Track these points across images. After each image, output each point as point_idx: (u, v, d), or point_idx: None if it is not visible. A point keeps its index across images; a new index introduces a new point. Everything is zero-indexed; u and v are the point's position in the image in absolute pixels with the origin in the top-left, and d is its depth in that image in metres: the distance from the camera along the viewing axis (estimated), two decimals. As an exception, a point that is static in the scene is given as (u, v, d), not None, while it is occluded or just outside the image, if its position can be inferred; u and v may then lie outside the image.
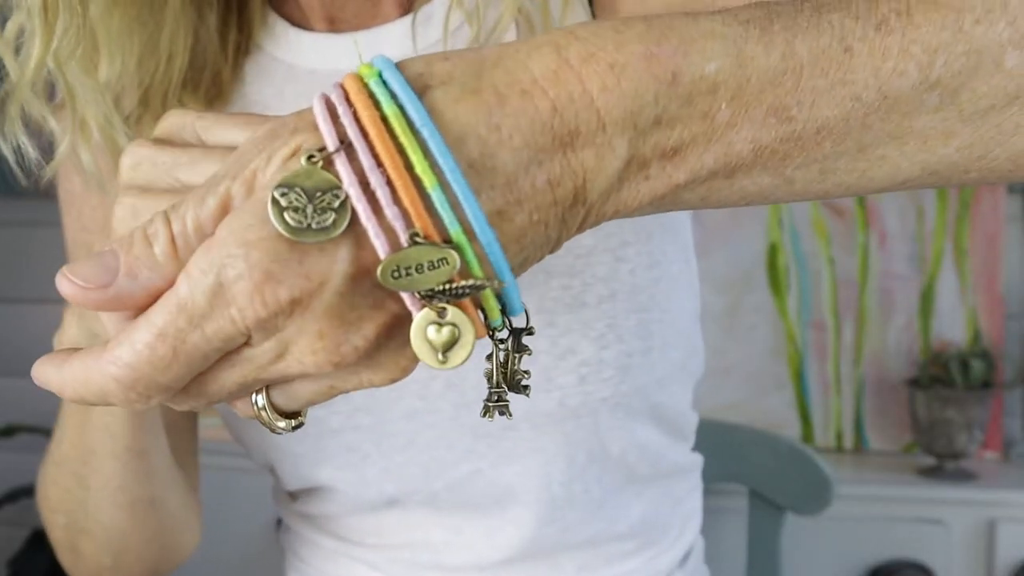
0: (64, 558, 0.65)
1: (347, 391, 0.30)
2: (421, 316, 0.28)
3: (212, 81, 0.59)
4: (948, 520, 1.45)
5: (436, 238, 0.27)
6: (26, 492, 1.71)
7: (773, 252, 1.65)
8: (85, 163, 0.55)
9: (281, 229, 0.27)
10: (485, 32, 0.52)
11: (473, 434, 0.59)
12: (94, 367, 0.29)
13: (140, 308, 0.29)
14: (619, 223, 0.58)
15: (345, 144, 0.28)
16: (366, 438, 0.60)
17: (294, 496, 0.68)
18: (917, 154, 0.32)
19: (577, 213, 0.30)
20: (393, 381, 0.30)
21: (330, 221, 0.27)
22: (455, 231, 0.27)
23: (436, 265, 0.27)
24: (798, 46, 0.30)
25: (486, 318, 0.30)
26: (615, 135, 0.29)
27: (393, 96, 0.28)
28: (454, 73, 0.29)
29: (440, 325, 0.28)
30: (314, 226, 0.27)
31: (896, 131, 0.31)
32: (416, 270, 0.27)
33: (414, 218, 0.27)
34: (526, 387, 0.32)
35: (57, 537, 0.64)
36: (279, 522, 0.74)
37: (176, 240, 0.29)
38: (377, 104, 0.28)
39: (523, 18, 0.52)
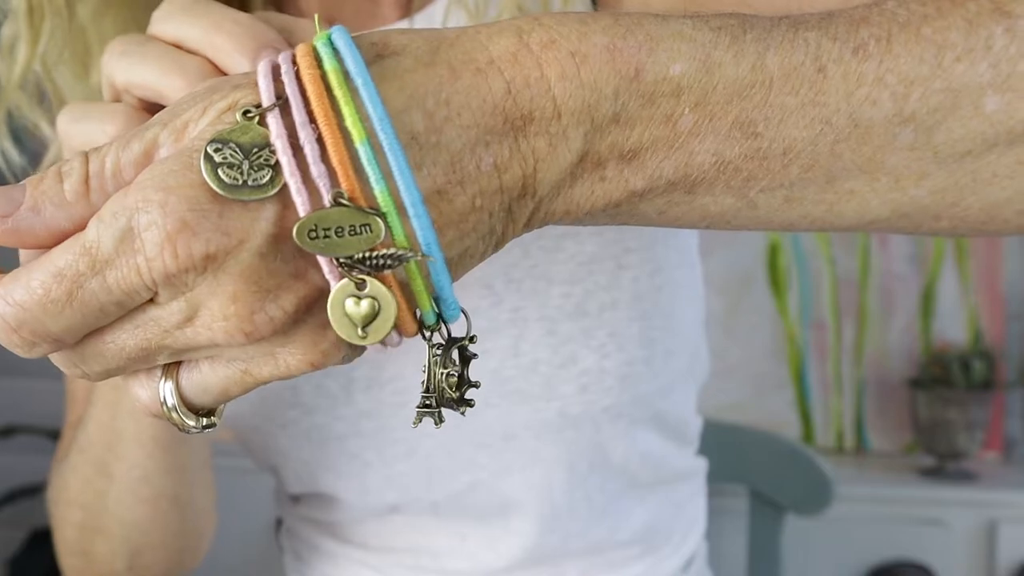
0: (70, 563, 0.62)
1: (263, 380, 0.28)
2: (339, 287, 0.26)
3: None
4: (949, 520, 1.45)
5: (362, 203, 0.26)
6: (26, 492, 1.71)
7: (774, 252, 1.65)
8: None
9: (215, 186, 0.25)
10: None
11: (474, 444, 0.59)
12: None
13: (41, 247, 0.27)
14: (621, 229, 0.57)
15: (282, 100, 0.26)
16: (368, 445, 0.60)
17: (296, 499, 0.68)
18: (888, 192, 0.30)
19: (525, 206, 0.29)
20: (313, 366, 0.27)
21: (266, 179, 0.25)
22: (380, 190, 0.26)
23: (358, 231, 0.25)
24: (769, 60, 0.29)
25: (421, 318, 0.28)
26: (570, 126, 0.28)
27: (338, 57, 0.27)
28: (409, 46, 0.28)
29: (359, 298, 0.26)
30: (249, 183, 0.25)
31: (867, 165, 0.30)
32: (336, 233, 0.25)
33: (341, 178, 0.26)
34: (469, 401, 0.30)
35: (68, 537, 0.61)
36: (279, 523, 0.74)
37: (90, 180, 0.27)
38: (320, 63, 0.27)
39: (521, 15, 0.52)
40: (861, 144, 0.29)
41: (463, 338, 0.29)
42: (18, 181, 0.28)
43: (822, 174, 0.30)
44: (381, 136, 0.26)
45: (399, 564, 0.64)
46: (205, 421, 0.29)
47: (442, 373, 0.29)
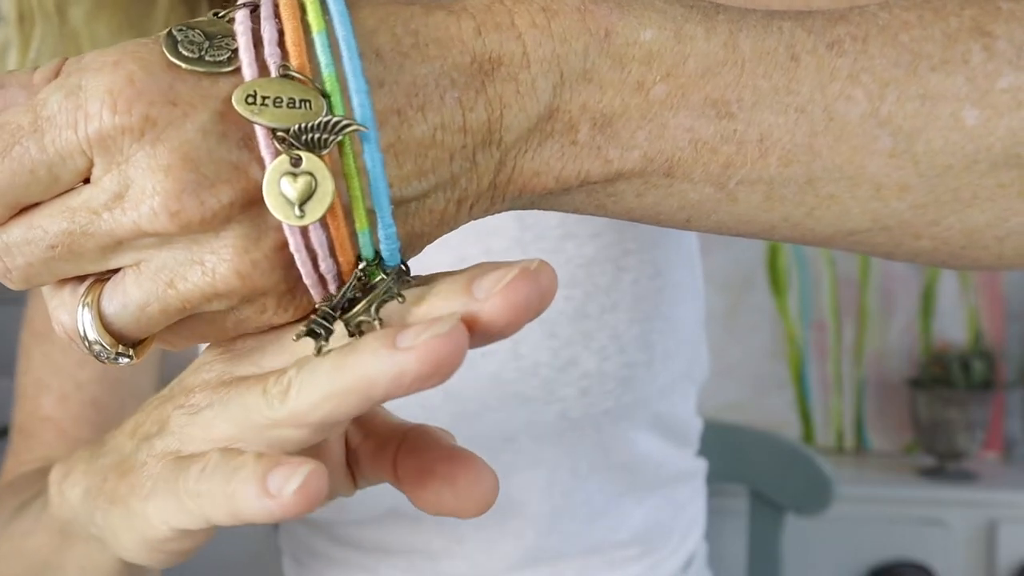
0: None
1: (188, 297, 0.26)
2: (275, 163, 0.25)
3: None
4: (949, 520, 1.45)
5: (309, 79, 0.25)
6: (26, 492, 1.70)
7: (774, 252, 1.65)
8: None
9: (171, 56, 0.24)
10: None
11: (473, 446, 0.59)
12: None
13: None
14: (621, 230, 0.57)
15: (252, 5, 0.26)
16: None
17: (294, 499, 0.68)
18: (869, 202, 0.30)
19: (491, 156, 0.28)
20: (240, 277, 0.26)
21: (224, 57, 0.25)
22: (328, 73, 0.25)
23: (297, 104, 0.25)
24: (741, 40, 0.29)
25: (357, 249, 0.27)
26: (539, 76, 0.28)
27: None
28: None
29: (295, 175, 0.25)
30: (206, 58, 0.25)
31: (847, 167, 0.29)
32: (274, 103, 0.24)
33: (292, 57, 0.25)
34: (361, 328, 0.27)
35: None
36: (276, 526, 0.74)
37: (62, 70, 0.26)
38: None
39: None
40: (838, 142, 0.29)
41: (399, 267, 0.28)
42: None
43: (802, 171, 0.29)
44: (336, 23, 0.25)
45: (396, 566, 0.64)
46: (120, 349, 0.27)
47: (349, 295, 0.27)
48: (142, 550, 0.30)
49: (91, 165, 0.25)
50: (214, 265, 0.26)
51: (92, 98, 0.24)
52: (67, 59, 0.26)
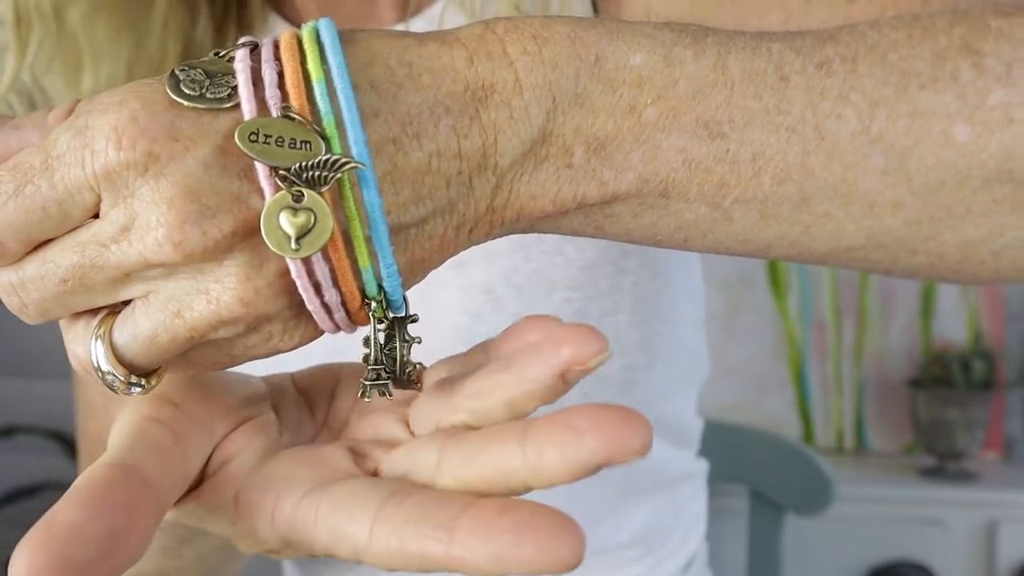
0: None
1: (196, 326, 0.27)
2: (275, 198, 0.26)
3: None
4: (949, 521, 1.45)
5: (309, 121, 0.26)
6: (26, 492, 1.71)
7: (774, 252, 1.65)
8: None
9: (172, 94, 0.26)
10: None
11: None
12: None
13: None
14: None
15: (253, 45, 0.27)
16: None
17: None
18: (863, 219, 0.30)
19: (486, 181, 0.29)
20: (244, 304, 0.27)
21: (224, 94, 0.26)
22: (328, 120, 0.26)
23: (298, 145, 0.26)
24: (730, 61, 0.29)
25: (364, 294, 0.28)
26: (532, 101, 0.28)
27: (316, 29, 0.28)
28: (384, 29, 0.29)
29: (296, 211, 0.25)
30: (207, 95, 0.26)
31: (840, 186, 0.30)
32: (276, 142, 0.26)
33: (292, 99, 0.26)
34: (416, 382, 0.30)
35: None
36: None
37: (75, 109, 0.27)
38: (299, 32, 0.28)
39: (521, 15, 0.52)
40: (831, 160, 0.29)
41: (408, 315, 0.29)
42: None
43: (796, 190, 0.30)
44: (335, 74, 0.26)
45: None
46: (133, 379, 0.28)
47: (404, 348, 0.29)
48: None
49: (99, 200, 0.26)
50: (218, 293, 0.26)
51: (98, 136, 0.25)
52: (80, 100, 0.28)
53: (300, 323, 0.28)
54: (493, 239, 0.31)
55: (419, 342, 0.29)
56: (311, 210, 0.26)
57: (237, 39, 0.59)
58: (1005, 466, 1.59)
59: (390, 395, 0.30)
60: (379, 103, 0.27)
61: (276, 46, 0.27)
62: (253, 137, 0.25)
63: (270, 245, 0.25)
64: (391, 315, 0.29)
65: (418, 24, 0.55)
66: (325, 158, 0.26)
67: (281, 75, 0.27)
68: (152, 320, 0.27)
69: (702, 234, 0.31)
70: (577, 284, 0.56)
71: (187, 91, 0.26)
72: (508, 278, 0.56)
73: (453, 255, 0.30)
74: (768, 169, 0.29)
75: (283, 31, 0.29)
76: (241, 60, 0.27)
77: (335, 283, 0.27)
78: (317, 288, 0.27)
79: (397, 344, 0.29)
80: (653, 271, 0.58)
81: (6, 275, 0.28)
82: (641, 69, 0.29)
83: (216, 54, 0.27)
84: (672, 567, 0.66)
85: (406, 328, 0.29)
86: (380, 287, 0.28)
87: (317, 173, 0.26)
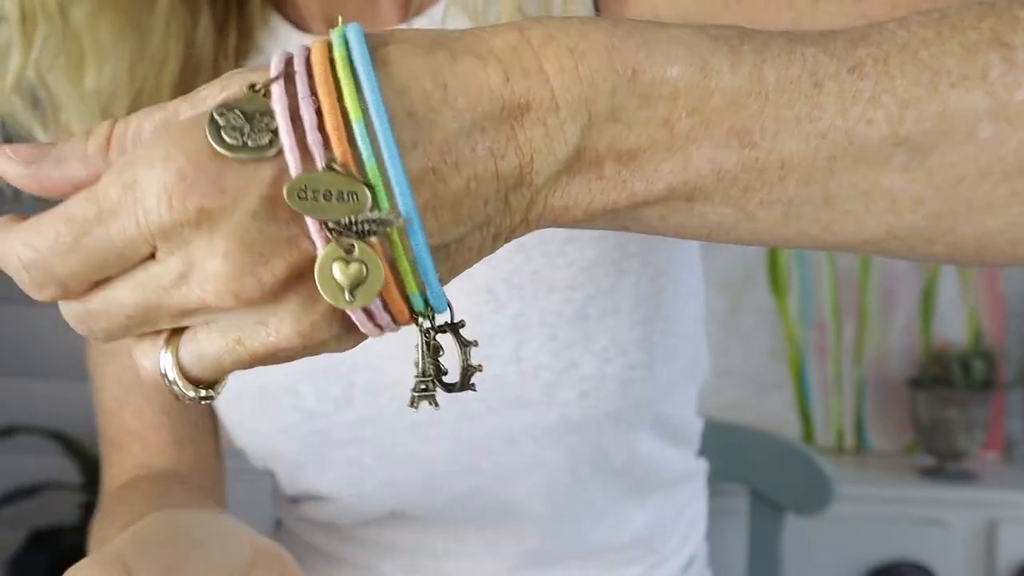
0: None
1: (256, 352, 0.28)
2: (327, 250, 0.27)
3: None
4: (949, 520, 1.45)
5: (353, 171, 0.27)
6: (26, 492, 1.70)
7: (774, 252, 1.65)
8: None
9: (216, 145, 0.26)
10: None
11: (474, 449, 0.59)
12: (6, 238, 0.29)
13: (56, 195, 0.29)
14: (621, 233, 0.57)
15: (287, 75, 0.28)
16: (368, 450, 0.59)
17: (294, 500, 0.68)
18: (883, 214, 0.31)
19: (522, 196, 0.29)
20: (302, 338, 0.28)
21: (266, 140, 0.26)
22: (370, 165, 0.27)
23: (345, 198, 0.26)
24: (767, 71, 0.29)
25: (409, 305, 0.29)
26: (568, 119, 0.28)
27: (347, 45, 0.28)
28: (414, 37, 0.29)
29: (347, 262, 0.27)
30: (250, 144, 0.26)
31: (863, 185, 0.30)
32: (324, 197, 0.26)
33: (335, 145, 0.27)
34: (472, 385, 0.31)
35: None
36: (278, 524, 0.74)
37: (112, 140, 0.28)
38: (329, 48, 0.28)
39: (523, 17, 0.51)
40: (856, 163, 0.30)
41: (455, 323, 0.30)
42: (11, 188, 0.30)
43: (819, 191, 0.30)
44: (373, 114, 0.27)
45: (398, 566, 0.64)
46: (203, 392, 0.30)
47: (466, 352, 0.30)
48: None
49: (155, 247, 0.27)
50: (277, 326, 0.28)
51: (148, 194, 0.26)
52: (115, 124, 0.29)
53: (351, 336, 0.29)
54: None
55: (476, 344, 0.31)
56: (363, 262, 0.27)
57: (238, 40, 0.59)
58: (1005, 466, 1.59)
59: (437, 405, 0.31)
60: (417, 133, 0.27)
61: (309, 72, 0.28)
62: (302, 195, 0.26)
63: (325, 297, 0.27)
64: (437, 323, 0.30)
65: (420, 24, 0.55)
66: (373, 217, 0.27)
67: (319, 112, 0.27)
68: (215, 346, 0.29)
69: (725, 232, 0.31)
70: (578, 284, 0.56)
71: (229, 140, 0.26)
72: (509, 279, 0.56)
73: (486, 256, 0.31)
74: (794, 174, 0.30)
75: (313, 43, 0.29)
76: (278, 100, 0.27)
77: (386, 309, 0.28)
78: (370, 315, 0.28)
79: (458, 350, 0.30)
80: (654, 270, 0.58)
81: (74, 307, 0.29)
82: (678, 82, 0.29)
83: (252, 87, 0.27)
84: (672, 567, 0.66)
85: (460, 333, 0.30)
86: (426, 302, 0.29)
87: (366, 227, 0.27)
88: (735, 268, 1.65)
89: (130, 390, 0.63)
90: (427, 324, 0.30)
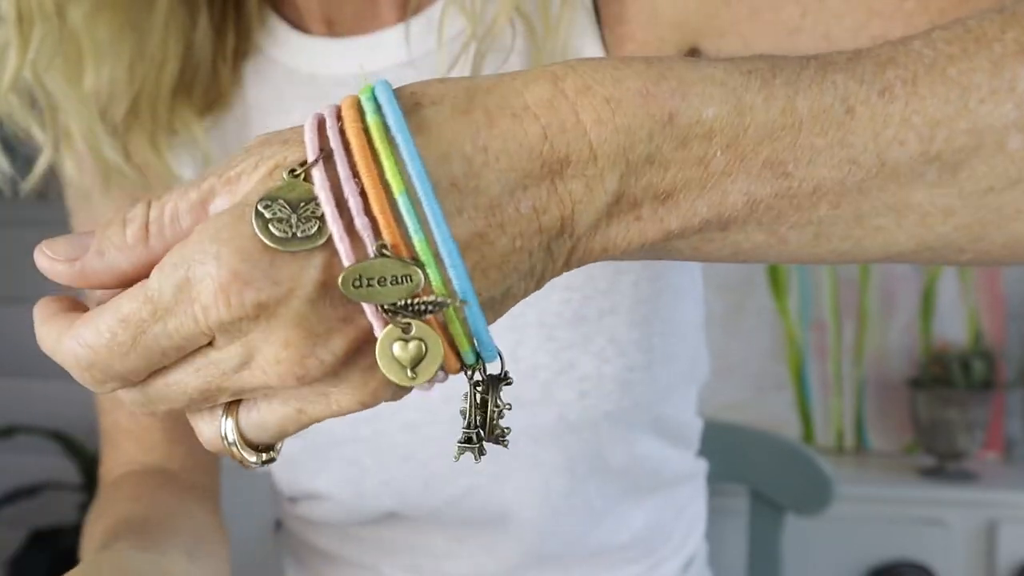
0: None
1: (317, 418, 0.29)
2: (386, 332, 0.27)
3: (210, 85, 0.59)
4: (949, 521, 1.45)
5: (404, 252, 0.27)
6: (26, 492, 1.71)
7: (774, 252, 1.65)
8: (69, 173, 0.55)
9: (265, 239, 0.26)
10: (482, 29, 0.51)
11: None
12: (62, 338, 0.29)
13: (106, 287, 0.29)
14: None
15: (325, 154, 0.28)
16: (365, 450, 0.59)
17: (293, 500, 0.68)
18: (914, 228, 0.31)
19: (563, 244, 0.30)
20: (364, 405, 0.29)
21: (314, 230, 0.27)
22: (419, 240, 0.27)
23: (400, 280, 0.27)
24: (799, 102, 0.30)
25: (459, 354, 0.29)
26: (606, 169, 0.29)
27: (379, 109, 0.28)
28: (447, 94, 0.29)
29: (406, 341, 0.27)
30: (299, 235, 0.27)
31: (894, 202, 0.30)
32: (379, 283, 0.27)
33: (383, 228, 0.27)
34: (504, 440, 0.32)
35: None
36: (278, 524, 0.74)
37: (150, 226, 0.29)
38: (363, 116, 0.28)
39: (520, 17, 0.51)
40: (888, 182, 0.30)
41: (502, 376, 0.31)
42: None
43: (850, 211, 0.30)
44: (418, 187, 0.27)
45: (397, 566, 0.64)
46: (264, 456, 0.31)
47: (497, 408, 0.31)
48: None
49: (214, 337, 0.28)
50: (338, 398, 0.29)
51: (204, 293, 0.27)
52: (149, 208, 0.29)
53: (403, 393, 0.30)
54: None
55: (509, 408, 0.31)
56: (421, 340, 0.27)
57: (236, 40, 0.59)
58: (1005, 466, 1.59)
59: (482, 455, 0.31)
60: (461, 200, 0.28)
61: (347, 148, 0.28)
62: (356, 284, 0.27)
63: (390, 377, 0.28)
64: (486, 375, 0.30)
65: (418, 23, 0.55)
66: (429, 300, 0.27)
67: (363, 194, 0.27)
68: (278, 416, 0.29)
69: (757, 255, 0.32)
70: (576, 284, 0.56)
71: (277, 233, 0.26)
72: (507, 279, 0.56)
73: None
74: (826, 198, 0.30)
75: (343, 105, 0.29)
76: (322, 188, 0.27)
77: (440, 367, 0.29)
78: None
79: (490, 406, 0.31)
80: (653, 272, 0.58)
81: (132, 394, 0.30)
82: (713, 123, 0.29)
83: (292, 173, 0.28)
84: (672, 567, 0.66)
85: (499, 391, 0.31)
86: (477, 356, 0.30)
87: (421, 307, 0.27)
88: (735, 269, 1.65)
89: None
90: (477, 377, 0.30)
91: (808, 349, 1.66)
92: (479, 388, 0.30)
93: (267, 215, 0.27)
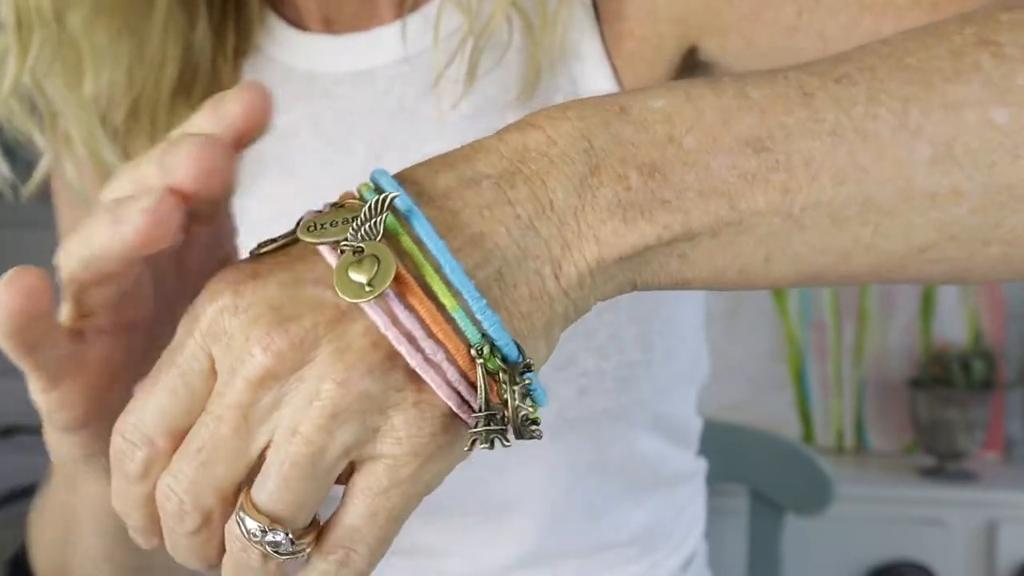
0: None
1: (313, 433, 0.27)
2: (340, 262, 0.27)
3: (210, 84, 0.59)
4: (949, 521, 1.45)
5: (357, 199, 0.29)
6: (26, 493, 1.71)
7: (774, 252, 1.65)
8: (69, 177, 0.55)
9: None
10: (479, 25, 0.51)
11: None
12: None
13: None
14: None
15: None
16: None
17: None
18: (928, 211, 0.30)
19: (549, 219, 0.29)
20: (341, 387, 0.28)
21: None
22: (476, 342, 0.28)
23: (349, 220, 0.28)
24: (750, 90, 0.30)
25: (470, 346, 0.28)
26: (567, 147, 0.29)
27: (412, 234, 0.28)
28: (437, 183, 0.29)
29: (360, 263, 0.27)
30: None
31: (898, 180, 0.30)
32: (330, 224, 0.28)
33: (453, 353, 0.27)
34: (533, 431, 0.30)
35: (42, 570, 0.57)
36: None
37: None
38: (401, 248, 0.28)
39: (517, 12, 0.52)
40: (880, 157, 0.30)
41: (516, 364, 0.29)
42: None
43: (856, 189, 0.30)
44: (467, 298, 0.27)
45: (397, 565, 0.64)
46: (296, 542, 0.29)
47: (512, 391, 0.29)
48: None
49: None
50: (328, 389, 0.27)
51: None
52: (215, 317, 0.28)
53: (422, 409, 0.28)
54: (599, 292, 0.30)
55: (531, 397, 0.29)
56: (374, 256, 0.27)
57: (236, 41, 0.59)
58: (1005, 466, 1.59)
59: (492, 445, 0.29)
60: (501, 295, 0.28)
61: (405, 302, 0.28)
62: (311, 228, 0.27)
63: (346, 298, 0.26)
64: (505, 364, 0.28)
65: (415, 20, 0.55)
66: (366, 209, 0.27)
67: (411, 311, 0.27)
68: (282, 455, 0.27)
69: (781, 249, 0.31)
70: None
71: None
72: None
73: (557, 304, 0.30)
74: (824, 171, 0.29)
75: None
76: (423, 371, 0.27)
77: (430, 334, 0.27)
78: (411, 340, 0.27)
79: (509, 394, 0.28)
80: None
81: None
82: (666, 108, 0.30)
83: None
84: (671, 566, 0.66)
85: (516, 375, 0.28)
86: (484, 335, 0.28)
87: (367, 227, 0.27)
88: (735, 268, 1.65)
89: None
90: (481, 360, 0.28)
91: (808, 349, 1.66)
92: (482, 359, 0.28)
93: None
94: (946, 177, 0.30)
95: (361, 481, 0.28)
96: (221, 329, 0.27)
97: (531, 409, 0.29)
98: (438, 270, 0.27)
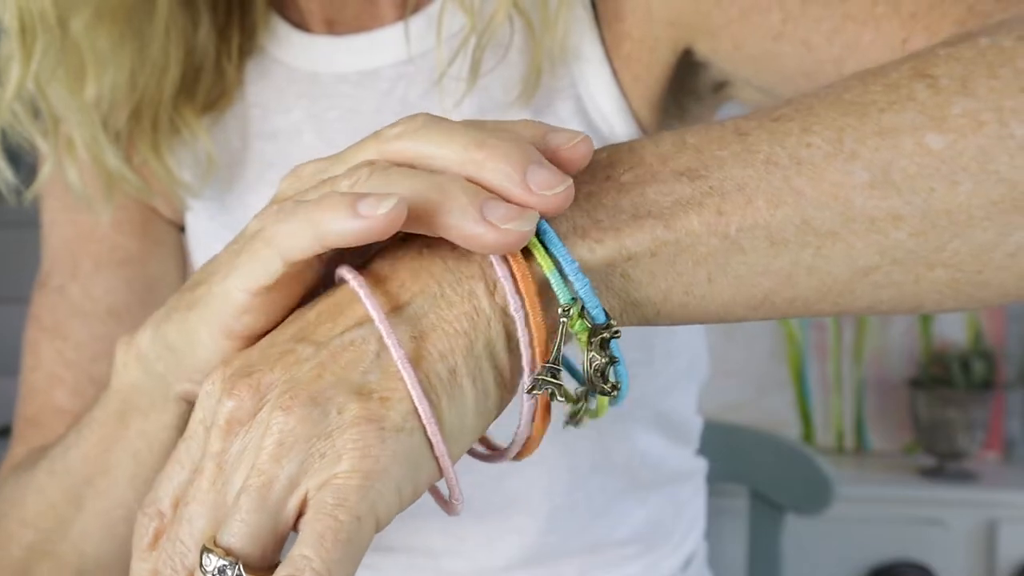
0: None
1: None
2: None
3: (213, 85, 0.59)
4: (949, 520, 1.45)
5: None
6: (26, 492, 1.70)
7: (774, 252, 1.65)
8: (72, 182, 0.55)
9: None
10: (481, 25, 0.51)
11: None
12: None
13: None
14: None
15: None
16: None
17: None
18: (868, 234, 0.30)
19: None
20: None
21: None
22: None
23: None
24: (688, 137, 0.32)
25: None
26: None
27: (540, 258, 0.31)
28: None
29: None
30: None
31: (835, 204, 0.30)
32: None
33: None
34: (615, 392, 0.32)
35: (11, 556, 0.54)
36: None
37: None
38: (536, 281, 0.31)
39: (519, 12, 0.52)
40: (816, 180, 0.30)
41: (601, 326, 0.31)
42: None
43: (793, 212, 0.30)
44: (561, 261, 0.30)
45: (397, 564, 0.64)
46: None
47: (596, 354, 0.31)
48: (218, 337, 0.33)
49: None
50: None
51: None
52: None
53: (363, 427, 0.28)
54: (626, 319, 0.32)
55: (613, 362, 0.31)
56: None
57: (240, 43, 0.59)
58: (1005, 466, 1.59)
59: (551, 396, 0.32)
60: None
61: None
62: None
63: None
64: (589, 324, 0.30)
65: (417, 21, 0.56)
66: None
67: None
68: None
69: (721, 269, 0.31)
70: None
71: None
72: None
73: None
74: (759, 195, 0.30)
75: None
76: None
77: (517, 290, 0.30)
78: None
79: (586, 353, 0.31)
80: None
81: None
82: (610, 156, 0.32)
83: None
84: (671, 565, 0.66)
85: (600, 337, 0.30)
86: (574, 299, 0.30)
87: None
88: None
89: (72, 368, 0.61)
90: (575, 323, 0.30)
91: (808, 349, 1.66)
92: (567, 317, 0.30)
93: None
94: (885, 201, 0.30)
95: (310, 510, 0.27)
96: (206, 393, 0.30)
97: (612, 381, 0.32)
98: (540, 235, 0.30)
